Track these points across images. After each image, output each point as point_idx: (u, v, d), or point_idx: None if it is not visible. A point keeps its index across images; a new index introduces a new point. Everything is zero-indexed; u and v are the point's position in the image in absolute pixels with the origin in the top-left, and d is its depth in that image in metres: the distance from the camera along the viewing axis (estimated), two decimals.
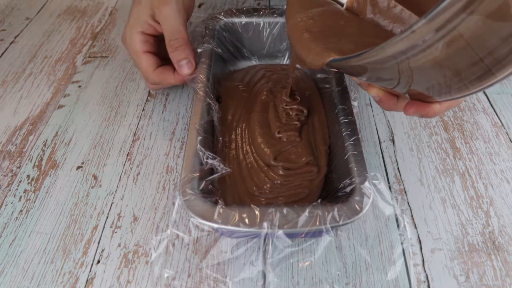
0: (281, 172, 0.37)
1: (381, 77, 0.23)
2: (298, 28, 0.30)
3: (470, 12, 0.15)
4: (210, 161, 0.33)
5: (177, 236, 0.35)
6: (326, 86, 0.43)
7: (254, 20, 0.48)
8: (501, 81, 0.19)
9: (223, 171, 0.34)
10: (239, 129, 0.42)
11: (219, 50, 0.46)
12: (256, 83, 0.48)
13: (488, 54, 0.17)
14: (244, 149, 0.40)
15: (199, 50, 0.43)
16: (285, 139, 0.39)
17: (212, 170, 0.34)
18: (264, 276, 0.33)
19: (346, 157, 0.33)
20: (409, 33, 0.17)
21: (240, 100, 0.45)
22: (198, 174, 0.31)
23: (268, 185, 0.36)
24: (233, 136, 0.41)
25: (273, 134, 0.40)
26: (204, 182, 0.31)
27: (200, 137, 0.34)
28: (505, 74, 0.18)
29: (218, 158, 0.34)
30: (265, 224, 0.27)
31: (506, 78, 0.18)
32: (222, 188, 0.36)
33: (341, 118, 0.36)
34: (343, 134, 0.35)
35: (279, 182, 0.36)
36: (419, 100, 0.26)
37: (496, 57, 0.17)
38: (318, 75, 0.46)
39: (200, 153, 0.33)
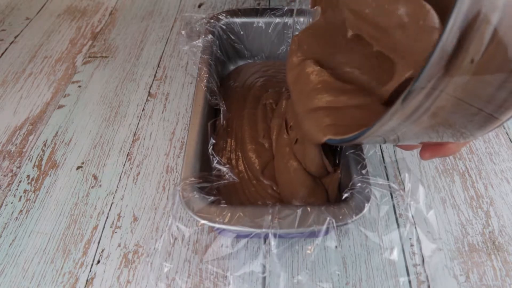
0: (269, 191, 0.35)
1: (375, 141, 0.23)
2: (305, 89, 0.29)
3: (440, 91, 0.15)
4: (219, 166, 0.33)
5: (178, 228, 0.35)
6: None
7: (254, 20, 0.48)
8: (506, 121, 0.18)
9: (231, 180, 0.34)
10: (233, 132, 0.41)
11: (219, 50, 0.46)
12: (250, 79, 0.48)
13: (485, 105, 0.16)
14: (236, 154, 0.39)
15: (199, 51, 0.43)
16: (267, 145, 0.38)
17: (211, 167, 0.35)
18: (265, 272, 0.33)
19: (345, 157, 0.33)
20: (388, 119, 0.17)
21: (235, 99, 0.45)
22: (199, 174, 0.31)
23: (259, 203, 0.35)
24: (228, 139, 0.41)
25: (260, 138, 0.39)
26: (208, 186, 0.31)
27: (213, 141, 0.35)
28: (509, 116, 0.17)
29: (228, 166, 0.34)
30: (265, 224, 0.27)
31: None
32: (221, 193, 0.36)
33: None
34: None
35: (270, 203, 0.34)
36: (433, 145, 0.25)
37: (496, 104, 0.16)
38: None
39: (211, 157, 0.33)
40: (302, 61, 0.31)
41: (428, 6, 0.19)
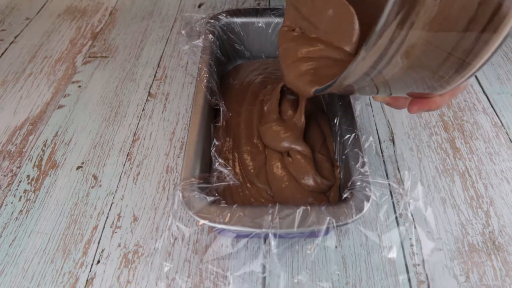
0: (264, 195, 0.34)
1: (367, 91, 0.25)
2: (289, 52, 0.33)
3: (409, 27, 0.15)
4: (221, 168, 0.33)
5: (178, 228, 0.35)
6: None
7: (254, 20, 0.48)
8: (481, 68, 0.19)
9: (231, 182, 0.34)
10: (231, 131, 0.41)
11: (219, 50, 0.46)
12: (249, 77, 0.48)
13: (454, 49, 0.17)
14: (233, 154, 0.39)
15: (199, 51, 0.43)
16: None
17: (211, 167, 0.34)
18: (265, 272, 0.33)
19: (345, 157, 0.33)
20: (360, 60, 0.18)
21: (234, 96, 0.45)
22: (200, 175, 0.31)
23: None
24: (226, 138, 0.41)
25: (254, 139, 0.39)
26: (209, 187, 0.31)
27: (216, 142, 0.35)
28: (481, 62, 0.18)
29: (230, 167, 0.34)
30: (265, 224, 0.27)
31: (485, 65, 0.18)
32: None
33: (340, 116, 0.36)
34: (343, 133, 0.35)
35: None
36: (419, 98, 0.27)
37: (465, 49, 0.17)
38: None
39: (213, 158, 0.33)
40: (287, 31, 0.36)
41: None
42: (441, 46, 0.17)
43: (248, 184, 0.36)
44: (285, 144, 0.36)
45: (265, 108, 0.41)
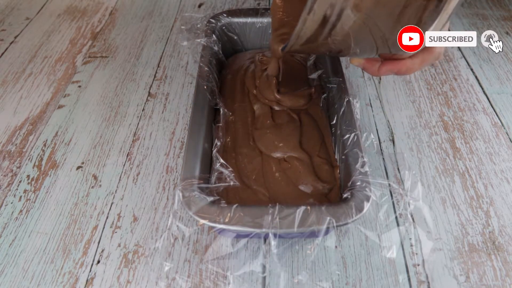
0: (261, 197, 0.34)
1: (333, 48, 0.25)
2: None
3: None
4: (222, 169, 0.33)
5: (178, 228, 0.35)
6: (328, 85, 0.43)
7: (254, 20, 0.48)
8: (442, 26, 0.19)
9: (231, 183, 0.33)
10: (229, 130, 0.40)
11: (220, 51, 0.46)
12: (240, 67, 0.47)
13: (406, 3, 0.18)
14: (231, 155, 0.38)
15: (199, 51, 0.43)
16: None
17: (210, 167, 0.34)
18: (265, 271, 0.33)
19: (345, 157, 0.33)
20: (306, 14, 0.19)
21: (228, 90, 0.44)
22: (200, 175, 0.31)
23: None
24: (225, 138, 0.40)
25: (250, 141, 0.38)
26: (209, 188, 0.31)
27: (217, 142, 0.35)
28: (436, 20, 0.19)
29: (230, 169, 0.34)
30: (265, 224, 0.27)
31: (445, 24, 0.19)
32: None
33: (340, 116, 0.36)
34: (343, 133, 0.35)
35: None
36: (390, 59, 0.27)
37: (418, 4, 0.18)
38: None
39: (214, 158, 0.33)
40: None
41: None
42: (389, 3, 0.18)
43: (244, 187, 0.35)
44: (281, 153, 0.36)
45: (255, 108, 0.41)
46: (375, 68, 0.30)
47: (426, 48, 0.25)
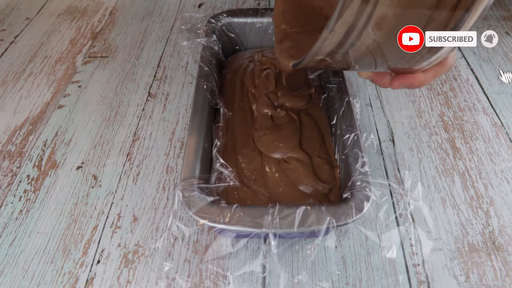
0: (260, 197, 0.34)
1: (347, 64, 0.25)
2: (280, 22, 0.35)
3: (374, 4, 0.16)
4: (222, 169, 0.33)
5: (178, 228, 0.35)
6: (328, 85, 0.43)
7: (254, 20, 0.48)
8: (460, 45, 0.19)
9: (231, 183, 0.33)
10: (229, 130, 0.40)
11: (220, 51, 0.46)
12: (239, 66, 0.47)
13: (426, 24, 0.18)
14: (231, 155, 0.38)
15: (199, 51, 0.43)
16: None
17: (210, 167, 0.34)
18: (265, 271, 0.33)
19: (345, 157, 0.33)
20: (328, 33, 0.18)
21: (227, 90, 0.45)
22: (200, 176, 0.31)
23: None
24: (224, 138, 0.40)
25: (250, 141, 0.38)
26: (209, 188, 0.31)
27: (217, 142, 0.35)
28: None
29: (230, 169, 0.34)
30: (265, 224, 0.27)
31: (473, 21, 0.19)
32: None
33: (340, 116, 0.36)
34: (343, 133, 0.35)
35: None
36: (402, 73, 0.27)
37: (439, 23, 0.18)
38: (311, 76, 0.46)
39: (214, 158, 0.33)
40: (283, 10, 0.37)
41: None
42: (412, 21, 0.17)
43: (244, 188, 0.35)
44: (281, 153, 0.36)
45: (253, 108, 0.41)
46: (384, 80, 0.29)
47: (440, 62, 0.25)
